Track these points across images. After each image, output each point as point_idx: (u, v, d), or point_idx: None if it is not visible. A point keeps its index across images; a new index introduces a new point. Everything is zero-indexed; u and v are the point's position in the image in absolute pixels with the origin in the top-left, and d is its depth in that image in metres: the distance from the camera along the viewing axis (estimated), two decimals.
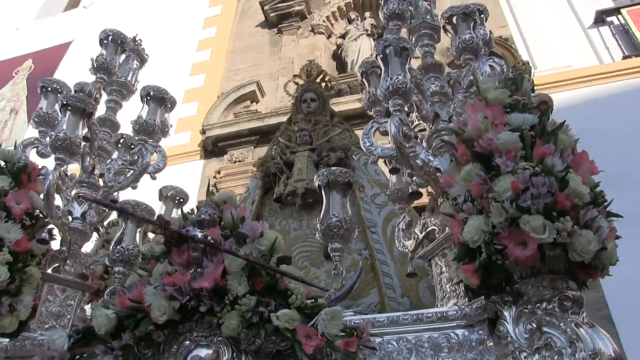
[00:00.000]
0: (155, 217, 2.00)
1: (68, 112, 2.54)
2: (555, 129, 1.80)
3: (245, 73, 10.25)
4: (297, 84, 4.67)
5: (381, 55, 2.22)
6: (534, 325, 1.61)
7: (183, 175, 7.82)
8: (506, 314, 1.67)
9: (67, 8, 14.68)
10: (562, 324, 1.56)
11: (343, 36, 10.35)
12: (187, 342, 1.81)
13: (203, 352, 1.78)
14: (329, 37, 10.46)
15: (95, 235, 3.06)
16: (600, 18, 8.77)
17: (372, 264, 3.40)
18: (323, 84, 4.65)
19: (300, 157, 3.95)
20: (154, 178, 3.07)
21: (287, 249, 3.65)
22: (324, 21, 10.49)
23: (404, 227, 2.58)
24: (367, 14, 10.38)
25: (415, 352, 1.73)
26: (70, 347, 1.83)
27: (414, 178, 2.37)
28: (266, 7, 10.75)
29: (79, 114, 2.56)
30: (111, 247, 2.29)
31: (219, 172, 8.54)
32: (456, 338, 1.74)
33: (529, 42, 8.74)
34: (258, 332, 1.69)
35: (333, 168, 2.29)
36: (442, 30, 2.55)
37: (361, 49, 9.71)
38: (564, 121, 1.82)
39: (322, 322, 1.64)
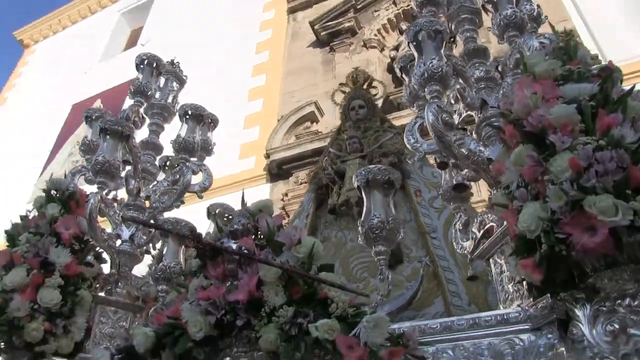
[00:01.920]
0: (189, 231, 1.90)
1: (107, 137, 2.56)
2: (622, 96, 1.56)
3: (302, 94, 10.27)
4: (344, 92, 4.54)
5: (414, 42, 2.06)
6: (617, 327, 1.36)
7: (251, 199, 7.78)
8: (579, 313, 1.43)
9: (126, 47, 15.24)
10: None
11: (396, 48, 10.16)
12: (228, 359, 1.70)
13: None
14: (382, 50, 10.33)
15: (148, 258, 3.03)
16: None
17: (435, 271, 3.19)
18: (372, 90, 4.50)
19: (351, 166, 3.79)
20: (200, 197, 3.03)
21: (344, 260, 3.51)
22: (375, 35, 10.38)
23: (460, 228, 2.38)
24: None
25: None
26: None
27: (465, 171, 2.17)
28: (316, 27, 10.75)
29: (117, 137, 2.58)
30: (153, 266, 2.23)
31: (286, 195, 8.51)
32: (521, 344, 1.51)
33: (596, 33, 8.15)
34: (297, 345, 1.55)
35: (371, 166, 2.13)
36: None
37: None
38: (634, 86, 1.59)
39: (364, 331, 1.48)
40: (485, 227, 2.16)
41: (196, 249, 1.83)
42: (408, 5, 10.19)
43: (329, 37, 10.66)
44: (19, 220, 2.64)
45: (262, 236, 1.86)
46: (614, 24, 8.15)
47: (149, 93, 3.07)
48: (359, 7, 10.67)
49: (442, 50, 2.01)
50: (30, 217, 2.60)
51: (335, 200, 3.75)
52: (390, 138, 3.98)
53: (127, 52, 14.81)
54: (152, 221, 2.58)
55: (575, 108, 1.55)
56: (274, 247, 1.77)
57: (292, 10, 12.24)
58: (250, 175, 9.25)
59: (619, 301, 1.38)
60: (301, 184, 8.62)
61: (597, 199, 1.35)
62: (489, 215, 2.15)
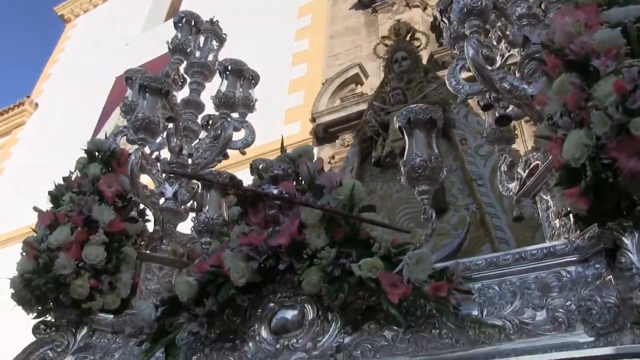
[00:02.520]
0: (229, 179, 1.92)
1: (146, 94, 2.57)
2: None
3: (346, 57, 10.16)
4: (386, 45, 4.46)
5: None
6: None
7: None
8: (627, 241, 1.37)
9: (167, 17, 15.31)
10: None
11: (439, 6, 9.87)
12: (272, 305, 1.73)
13: (288, 313, 1.69)
14: (424, 9, 10.03)
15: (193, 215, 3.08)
16: None
17: (482, 218, 3.14)
18: (415, 42, 4.40)
19: (395, 117, 3.74)
20: (243, 153, 3.05)
21: (390, 212, 3.50)
22: None
23: (505, 169, 2.34)
24: None
25: (520, 295, 1.48)
26: (158, 317, 1.80)
27: (509, 110, 2.12)
28: None
29: (157, 93, 2.57)
30: (195, 219, 2.26)
31: (333, 157, 8.51)
32: (568, 276, 1.47)
33: None
34: (341, 286, 1.56)
35: (413, 105, 2.09)
36: None
37: None
38: None
39: (407, 267, 1.48)
40: (531, 167, 2.11)
41: (237, 196, 1.85)
42: None
43: None
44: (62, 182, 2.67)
45: (302, 181, 1.86)
46: None
47: (188, 50, 3.06)
48: None
49: None
50: (73, 178, 2.64)
51: (380, 152, 3.73)
52: (434, 89, 3.90)
53: (168, 22, 14.92)
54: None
55: (621, 31, 1.48)
56: (315, 190, 1.77)
57: None
58: (296, 139, 9.27)
59: None
60: (347, 146, 8.56)
61: None
62: (534, 154, 2.10)
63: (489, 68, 1.84)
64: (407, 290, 1.46)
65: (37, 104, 15.40)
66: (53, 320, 2.41)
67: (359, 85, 9.49)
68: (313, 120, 9.23)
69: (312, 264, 1.61)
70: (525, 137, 5.72)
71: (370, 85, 9.23)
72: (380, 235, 1.63)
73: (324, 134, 9.05)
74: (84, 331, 2.31)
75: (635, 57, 1.44)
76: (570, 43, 1.55)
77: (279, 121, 9.57)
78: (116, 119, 12.61)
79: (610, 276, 1.35)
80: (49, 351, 2.30)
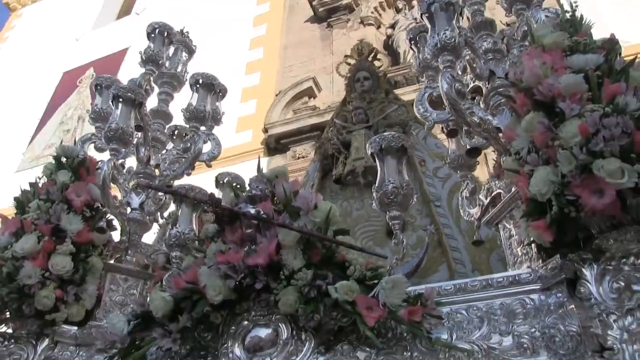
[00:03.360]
0: (208, 196, 1.95)
1: (120, 104, 2.57)
2: (625, 67, 1.63)
3: (300, 69, 10.29)
4: (349, 64, 4.56)
5: (427, 14, 2.10)
6: (622, 284, 1.42)
7: (248, 173, 7.79)
8: (587, 272, 1.49)
9: (119, 16, 15.07)
10: None
11: (393, 26, 10.17)
12: (245, 322, 1.76)
13: (262, 331, 1.72)
14: (378, 27, 10.34)
15: (156, 225, 3.07)
16: None
17: (439, 239, 3.26)
18: (376, 62, 4.52)
19: (357, 136, 3.84)
20: (209, 166, 3.07)
21: (350, 229, 3.55)
22: (372, 12, 10.39)
23: (467, 195, 2.44)
24: (415, 2, 10.09)
25: (487, 321, 1.58)
26: (130, 332, 1.81)
27: (474, 140, 2.23)
28: (314, 2, 10.74)
29: (130, 104, 2.59)
30: (166, 233, 2.27)
31: None
32: (532, 303, 1.57)
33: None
34: (317, 307, 1.61)
35: (385, 134, 2.18)
36: None
37: None
38: (636, 56, 1.65)
39: (382, 292, 1.54)
40: (492, 195, 2.22)
41: (215, 213, 1.88)
42: None
43: (326, 12, 10.68)
44: (27, 187, 2.61)
45: (278, 202, 1.91)
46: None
47: (160, 62, 3.07)
48: None
49: (454, 22, 2.05)
50: (40, 185, 2.59)
51: (341, 170, 3.81)
52: (395, 109, 4.03)
53: (120, 21, 14.66)
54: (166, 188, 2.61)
55: (583, 77, 1.60)
56: (291, 212, 1.82)
57: None
58: (247, 148, 9.29)
59: (624, 260, 1.45)
60: (298, 158, 8.75)
61: (605, 162, 1.41)
62: (496, 182, 2.21)
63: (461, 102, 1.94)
64: (383, 314, 1.53)
65: None
66: (11, 331, 2.35)
67: (311, 98, 9.62)
68: (265, 130, 9.28)
69: (289, 284, 1.65)
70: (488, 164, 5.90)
71: (323, 99, 9.42)
72: (355, 258, 1.69)
73: (276, 144, 9.14)
74: (45, 343, 2.25)
75: (595, 102, 1.56)
76: (538, 84, 1.67)
77: (231, 129, 9.54)
78: (62, 115, 12.28)
79: (573, 305, 1.45)
80: None
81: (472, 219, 2.37)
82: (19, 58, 14.91)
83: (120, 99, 2.56)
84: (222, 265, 1.73)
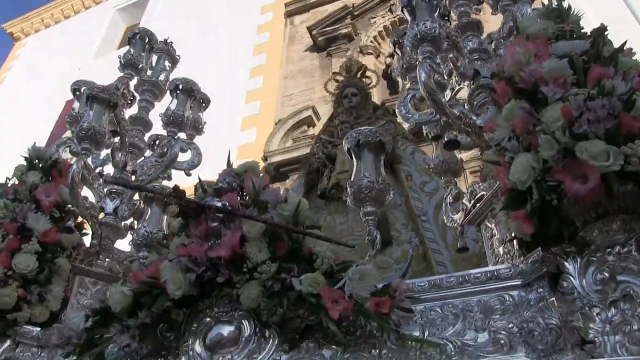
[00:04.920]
0: (172, 188, 1.84)
1: (94, 104, 2.51)
2: (614, 52, 1.54)
3: (299, 98, 10.28)
4: (337, 81, 4.51)
5: (407, 7, 2.03)
6: (606, 275, 1.31)
7: None
8: (569, 266, 1.38)
9: (121, 45, 15.15)
10: None
11: (392, 55, 10.16)
12: (208, 319, 1.65)
13: (224, 328, 1.62)
14: (377, 56, 10.33)
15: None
16: None
17: (425, 253, 3.16)
18: (365, 79, 4.47)
19: (343, 150, 3.75)
20: (188, 174, 2.99)
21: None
22: (371, 42, 10.38)
23: (451, 201, 2.35)
24: None
25: (463, 318, 1.46)
26: (89, 328, 1.70)
27: (455, 133, 2.14)
28: (314, 32, 10.77)
29: (104, 104, 2.52)
30: (135, 233, 2.17)
31: None
32: (511, 300, 1.46)
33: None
34: (280, 301, 1.50)
35: (362, 128, 2.09)
36: None
37: None
38: (625, 42, 1.57)
39: (349, 283, 1.43)
40: (476, 197, 2.13)
41: (179, 206, 1.78)
42: None
43: (326, 42, 10.68)
44: None
45: (247, 196, 1.81)
46: None
47: (140, 66, 3.01)
48: (355, 13, 10.72)
49: (435, 14, 1.98)
50: (9, 185, 2.53)
51: (325, 185, 3.73)
52: (382, 125, 3.95)
53: (122, 49, 14.71)
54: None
55: (568, 62, 1.52)
56: (259, 205, 1.72)
57: (289, 14, 12.24)
58: None
59: (609, 250, 1.35)
60: None
61: (589, 144, 1.32)
62: (480, 185, 2.12)
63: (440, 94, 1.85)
64: (348, 306, 1.42)
65: None
66: None
67: (311, 127, 9.56)
68: (265, 159, 9.22)
69: (252, 277, 1.55)
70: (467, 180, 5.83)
71: None
72: (323, 251, 1.59)
73: (275, 172, 9.03)
74: (7, 344, 2.18)
75: (580, 87, 1.47)
76: (520, 71, 1.58)
77: (231, 157, 9.46)
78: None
79: (553, 298, 1.34)
80: None
81: (455, 224, 2.26)
82: (22, 86, 14.97)
83: (95, 99, 2.50)
84: (183, 258, 1.63)
